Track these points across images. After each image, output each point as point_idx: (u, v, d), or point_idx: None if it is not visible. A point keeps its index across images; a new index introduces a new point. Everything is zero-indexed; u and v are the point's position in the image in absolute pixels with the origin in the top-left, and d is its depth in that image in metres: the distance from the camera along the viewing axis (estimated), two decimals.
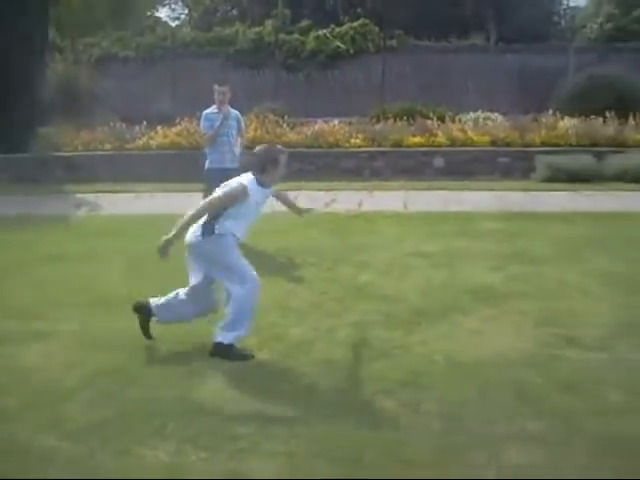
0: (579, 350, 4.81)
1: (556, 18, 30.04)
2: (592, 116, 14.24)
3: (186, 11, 35.22)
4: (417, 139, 14.11)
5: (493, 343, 4.98)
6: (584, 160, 12.95)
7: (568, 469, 3.39)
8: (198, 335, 5.08)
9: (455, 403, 4.06)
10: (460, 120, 15.34)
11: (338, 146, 14.23)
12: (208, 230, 4.65)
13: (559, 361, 4.66)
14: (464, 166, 13.60)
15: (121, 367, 4.63)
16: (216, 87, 8.15)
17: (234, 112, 8.22)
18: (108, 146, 14.57)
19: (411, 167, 13.54)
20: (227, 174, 8.10)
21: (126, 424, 3.86)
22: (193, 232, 4.69)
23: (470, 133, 14.41)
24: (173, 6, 35.70)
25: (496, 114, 15.80)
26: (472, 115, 15.65)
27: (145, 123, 15.17)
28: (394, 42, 20.51)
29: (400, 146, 14.10)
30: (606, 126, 14.08)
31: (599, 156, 13.12)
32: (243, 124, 8.59)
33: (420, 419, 3.87)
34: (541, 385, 4.30)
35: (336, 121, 15.10)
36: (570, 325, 5.30)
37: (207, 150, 8.24)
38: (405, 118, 15.11)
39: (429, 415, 3.90)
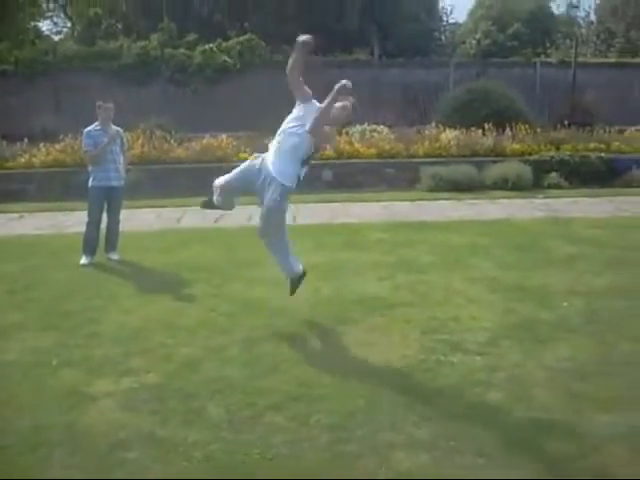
0: (462, 355, 4.98)
1: (437, 34, 30.95)
2: (472, 128, 14.85)
3: (69, 24, 34.17)
4: None
5: (381, 352, 5.08)
6: (466, 170, 13.48)
7: (455, 472, 3.51)
8: (85, 357, 4.97)
9: (344, 413, 4.11)
10: (347, 133, 15.57)
11: (227, 161, 14.12)
12: None
13: (444, 366, 4.80)
14: (352, 178, 13.87)
15: (7, 398, 4.44)
16: (100, 103, 8.03)
17: (117, 129, 8.10)
18: None
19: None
20: (112, 192, 8.08)
21: (8, 456, 3.71)
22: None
23: (357, 145, 14.67)
24: (55, 19, 34.57)
25: (382, 126, 16.15)
26: (359, 128, 15.90)
27: (27, 140, 14.67)
28: (280, 57, 20.65)
29: None
30: (485, 137, 14.71)
31: (479, 166, 13.69)
32: (125, 140, 8.50)
33: (310, 431, 3.90)
34: (427, 391, 4.43)
35: (224, 135, 15.03)
36: (455, 331, 5.47)
37: (90, 168, 8.06)
38: None
39: (319, 427, 3.94)
